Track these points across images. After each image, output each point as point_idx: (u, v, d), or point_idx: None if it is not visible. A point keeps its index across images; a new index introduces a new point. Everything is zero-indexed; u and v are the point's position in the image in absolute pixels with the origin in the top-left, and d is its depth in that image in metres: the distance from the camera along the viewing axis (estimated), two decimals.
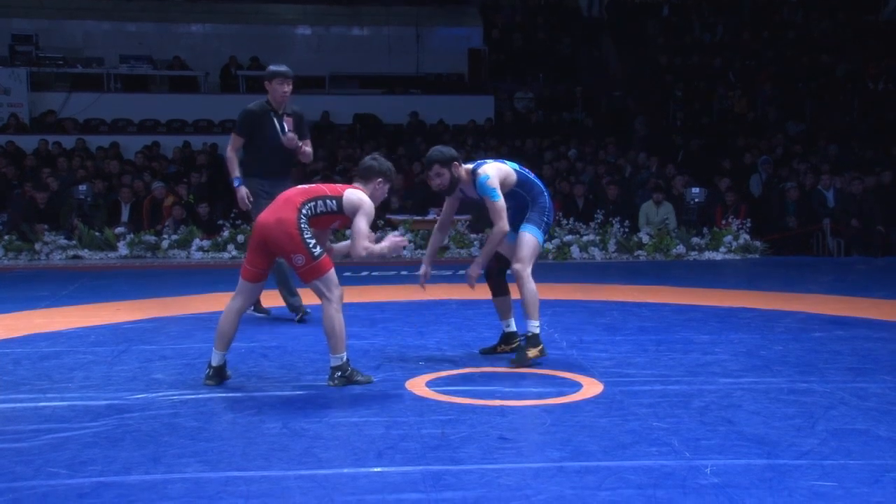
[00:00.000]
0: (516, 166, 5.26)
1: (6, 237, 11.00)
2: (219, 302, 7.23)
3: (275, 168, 6.54)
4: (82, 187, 12.14)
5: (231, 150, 6.61)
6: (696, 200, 12.07)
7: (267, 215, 4.57)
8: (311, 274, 4.51)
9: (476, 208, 11.81)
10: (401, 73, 18.25)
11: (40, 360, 5.23)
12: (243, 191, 6.51)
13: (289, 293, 6.62)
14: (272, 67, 6.66)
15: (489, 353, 5.38)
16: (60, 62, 16.85)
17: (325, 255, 4.54)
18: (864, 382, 4.64)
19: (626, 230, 11.27)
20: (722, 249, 11.10)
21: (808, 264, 10.52)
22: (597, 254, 10.97)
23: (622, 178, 13.23)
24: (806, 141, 15.31)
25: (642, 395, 4.38)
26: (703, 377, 4.77)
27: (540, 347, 5.08)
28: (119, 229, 11.22)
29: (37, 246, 10.97)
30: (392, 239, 4.70)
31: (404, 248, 4.81)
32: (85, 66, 17.08)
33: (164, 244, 11.03)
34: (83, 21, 18.32)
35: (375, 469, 3.35)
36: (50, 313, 6.94)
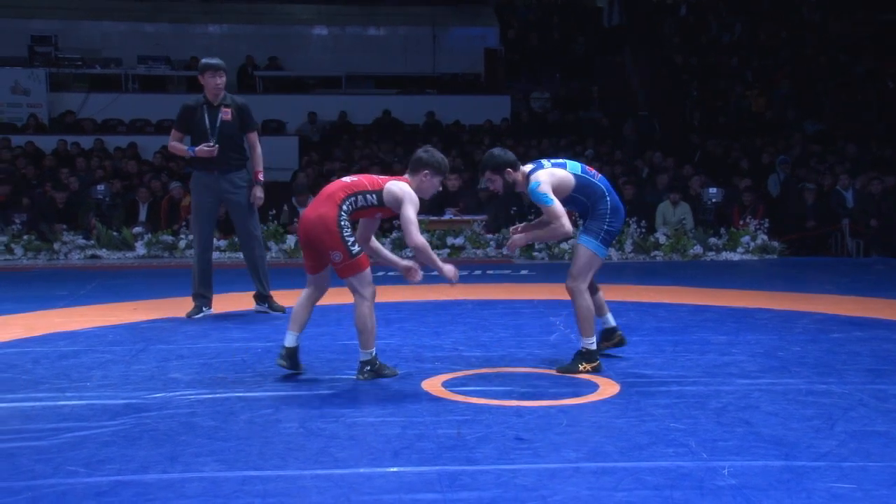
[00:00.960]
0: (578, 169, 5.00)
1: (25, 237, 11.08)
2: (235, 301, 7.27)
3: (212, 163, 6.66)
4: (100, 187, 12.21)
5: (171, 145, 6.84)
6: (714, 200, 12.01)
7: (309, 211, 4.63)
8: (347, 271, 4.56)
9: (493, 208, 11.83)
10: (417, 73, 18.27)
11: (59, 359, 5.26)
12: (203, 148, 6.59)
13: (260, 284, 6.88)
14: (204, 60, 6.79)
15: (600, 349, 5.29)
16: (79, 63, 16.95)
17: (362, 252, 4.58)
18: (883, 384, 4.61)
19: (643, 230, 11.23)
20: (739, 250, 11.04)
21: (826, 265, 10.45)
22: (613, 254, 10.94)
23: (638, 178, 13.19)
24: (824, 140, 15.21)
25: (659, 396, 4.36)
26: (720, 378, 4.75)
27: (595, 364, 4.90)
28: (137, 229, 11.28)
29: (55, 245, 11.03)
30: (451, 268, 4.68)
31: (452, 281, 4.75)
32: (103, 67, 17.19)
33: (182, 244, 11.08)
34: (101, 22, 18.42)
35: (392, 469, 3.35)
36: (68, 312, 6.98)
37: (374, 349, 4.71)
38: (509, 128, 16.19)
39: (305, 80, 18.02)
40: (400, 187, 4.62)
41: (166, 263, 10.71)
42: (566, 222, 4.80)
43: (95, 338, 5.93)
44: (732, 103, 16.98)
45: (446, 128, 16.31)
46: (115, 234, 11.18)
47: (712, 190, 12.19)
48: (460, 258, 10.67)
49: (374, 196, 4.61)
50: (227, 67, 6.85)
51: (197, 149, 6.62)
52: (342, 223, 4.51)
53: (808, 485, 3.18)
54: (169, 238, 11.12)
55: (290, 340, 4.73)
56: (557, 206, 4.80)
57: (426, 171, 4.72)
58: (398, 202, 4.59)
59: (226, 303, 7.24)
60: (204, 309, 6.80)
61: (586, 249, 4.91)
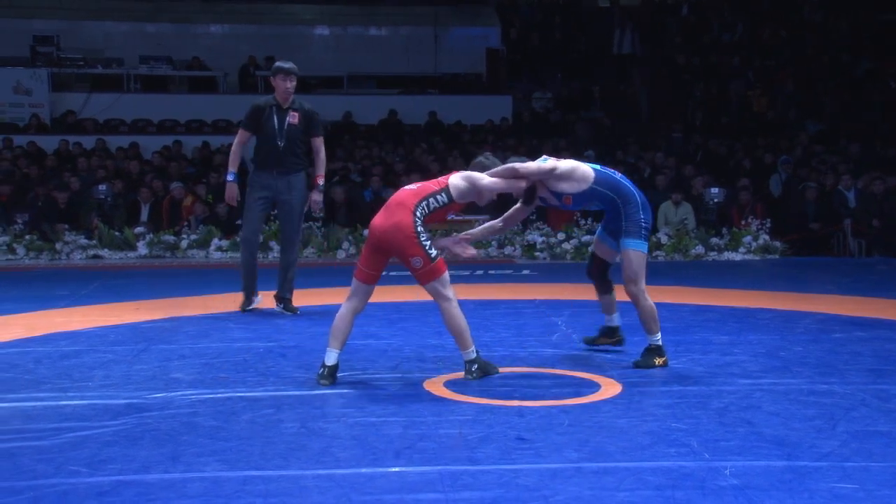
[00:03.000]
0: (598, 166, 5.05)
1: (27, 237, 11.09)
2: (238, 301, 7.26)
3: (274, 163, 6.76)
4: (102, 187, 12.21)
5: (236, 143, 6.92)
6: (716, 200, 12.00)
7: (383, 220, 4.60)
8: (429, 276, 4.57)
9: (494, 210, 11.80)
10: (418, 73, 18.27)
11: (61, 358, 5.27)
12: (234, 189, 6.81)
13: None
14: (277, 63, 6.91)
15: (591, 344, 5.42)
16: (81, 63, 16.96)
17: (440, 256, 4.60)
18: (885, 384, 4.60)
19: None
20: (741, 250, 11.04)
21: (828, 265, 10.44)
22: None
23: (640, 179, 13.17)
24: (826, 140, 15.20)
25: (661, 396, 4.36)
26: (721, 378, 4.74)
27: (665, 358, 5.01)
28: (138, 229, 11.28)
29: (57, 245, 11.04)
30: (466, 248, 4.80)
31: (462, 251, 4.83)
32: (105, 67, 17.20)
33: (183, 244, 11.09)
34: (103, 22, 18.44)
35: (393, 469, 3.35)
36: (70, 312, 6.98)
37: (473, 346, 4.69)
38: (511, 128, 16.18)
39: (307, 81, 18.01)
40: (462, 175, 4.74)
41: (168, 263, 10.72)
42: (525, 168, 4.80)
43: (97, 338, 5.93)
44: (734, 103, 16.97)
45: (448, 128, 16.31)
46: (116, 233, 11.19)
47: (714, 190, 12.18)
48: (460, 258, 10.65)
49: (443, 195, 4.67)
50: (298, 72, 6.93)
51: (227, 196, 6.93)
52: (419, 229, 4.54)
53: (810, 485, 3.17)
54: (171, 238, 11.13)
55: (332, 358, 4.61)
56: (543, 166, 4.83)
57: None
58: (467, 188, 4.68)
59: (226, 303, 7.24)
60: (254, 299, 6.93)
61: (636, 252, 4.96)
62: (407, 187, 4.80)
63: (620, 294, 5.11)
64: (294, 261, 6.97)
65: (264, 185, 6.79)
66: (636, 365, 4.99)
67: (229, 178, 6.80)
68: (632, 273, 4.94)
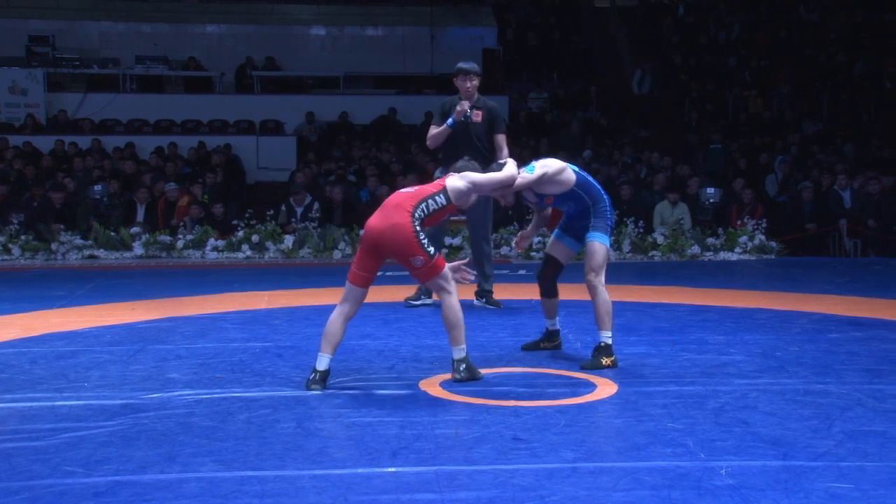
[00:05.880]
0: (576, 168, 5.22)
1: (23, 237, 11.07)
2: (233, 301, 7.27)
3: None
4: (98, 187, 12.19)
5: (428, 136, 7.05)
6: (712, 200, 12.02)
7: (379, 221, 4.61)
8: (430, 273, 4.61)
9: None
10: (415, 73, 18.26)
11: (56, 359, 5.26)
12: (462, 107, 6.82)
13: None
14: (458, 65, 7.06)
15: (531, 349, 5.44)
16: (77, 63, 16.94)
17: (438, 253, 4.64)
18: (881, 384, 4.61)
19: (641, 230, 11.23)
20: (737, 250, 11.05)
21: (824, 265, 10.45)
22: (611, 254, 10.94)
23: (636, 178, 13.19)
24: (822, 141, 15.22)
25: (657, 396, 4.36)
26: (718, 378, 4.75)
27: (613, 358, 5.01)
28: (134, 229, 11.27)
29: (53, 246, 11.02)
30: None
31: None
32: (101, 67, 17.18)
33: (179, 244, 11.07)
34: (99, 22, 18.42)
35: (389, 469, 3.35)
36: (66, 313, 6.97)
37: (465, 346, 4.69)
38: (507, 128, 16.16)
39: (304, 81, 18.04)
40: (459, 177, 4.80)
41: (164, 264, 10.70)
42: (516, 175, 4.95)
43: (93, 338, 5.92)
44: (730, 103, 16.98)
45: None
46: (112, 234, 11.18)
47: (710, 190, 12.19)
48: (458, 258, 10.65)
49: (441, 196, 4.70)
50: (479, 71, 7.02)
51: (457, 110, 6.83)
52: (417, 229, 4.55)
53: (805, 485, 3.18)
54: (167, 238, 11.11)
55: (323, 364, 4.58)
56: (530, 177, 4.98)
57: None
58: (466, 189, 4.75)
59: (226, 303, 7.24)
60: (423, 297, 7.05)
61: (601, 245, 5.09)
62: (403, 190, 4.83)
63: (611, 294, 5.12)
64: (487, 254, 7.18)
65: None
66: (584, 367, 4.97)
67: (450, 122, 6.84)
68: (595, 264, 5.04)
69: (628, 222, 11.18)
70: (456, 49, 18.72)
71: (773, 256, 11.01)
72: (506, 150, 6.98)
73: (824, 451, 3.54)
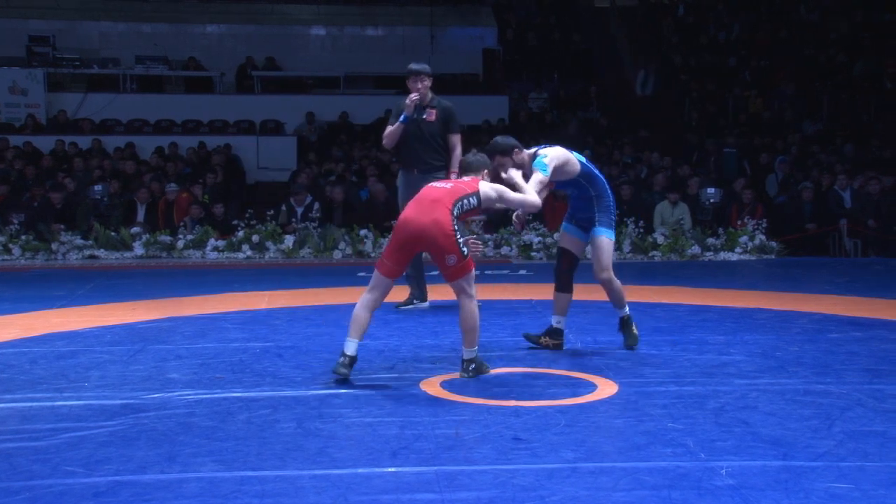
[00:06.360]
0: (583, 158, 5.32)
1: (23, 237, 11.07)
2: (233, 302, 7.27)
3: (415, 160, 6.88)
4: (98, 187, 12.20)
5: (384, 136, 7.03)
6: (712, 201, 12.02)
7: (419, 215, 4.62)
8: (459, 272, 4.64)
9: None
10: None
11: (57, 359, 5.26)
12: (412, 98, 6.78)
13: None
14: (409, 66, 7.09)
15: (532, 341, 5.48)
16: (77, 63, 16.95)
17: (469, 254, 4.66)
18: (881, 384, 4.61)
19: (641, 230, 11.24)
20: (737, 250, 11.05)
21: (824, 265, 10.45)
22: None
23: (636, 178, 13.18)
24: (822, 141, 15.21)
25: (657, 396, 4.36)
26: (718, 378, 4.75)
27: (634, 326, 5.46)
28: (135, 229, 11.27)
29: (53, 246, 11.02)
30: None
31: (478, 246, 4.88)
32: (101, 67, 17.20)
33: (180, 244, 11.08)
34: (99, 22, 18.44)
35: (390, 469, 3.35)
36: (66, 313, 6.98)
37: (477, 347, 4.77)
38: (507, 128, 16.17)
39: (304, 81, 18.04)
40: (491, 187, 4.87)
41: (164, 264, 10.71)
42: (538, 197, 5.03)
43: (93, 338, 5.92)
44: (730, 103, 16.98)
45: None
46: (113, 234, 11.18)
47: (710, 190, 12.19)
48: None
49: (474, 198, 4.75)
50: (429, 72, 7.04)
51: (406, 104, 6.79)
52: (456, 227, 4.59)
53: (806, 485, 3.18)
54: (167, 238, 11.12)
55: (351, 349, 4.62)
56: (546, 177, 5.07)
57: (486, 171, 4.98)
58: (496, 197, 4.83)
59: (226, 303, 7.23)
60: (415, 301, 7.04)
61: (609, 240, 5.28)
62: (437, 184, 4.88)
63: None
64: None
65: (409, 183, 6.82)
66: (629, 346, 5.37)
67: (402, 119, 6.81)
68: (605, 262, 5.25)
69: (629, 222, 11.17)
70: (456, 49, 18.75)
71: (773, 256, 11.01)
72: (458, 150, 6.92)
73: (824, 451, 3.54)
